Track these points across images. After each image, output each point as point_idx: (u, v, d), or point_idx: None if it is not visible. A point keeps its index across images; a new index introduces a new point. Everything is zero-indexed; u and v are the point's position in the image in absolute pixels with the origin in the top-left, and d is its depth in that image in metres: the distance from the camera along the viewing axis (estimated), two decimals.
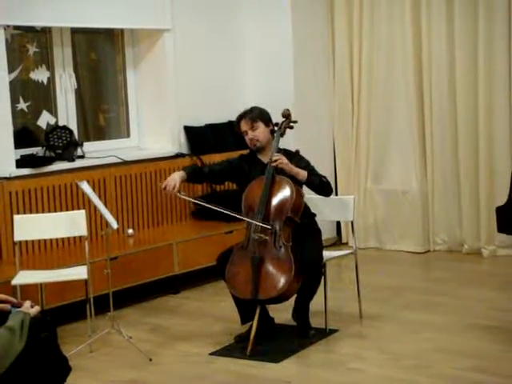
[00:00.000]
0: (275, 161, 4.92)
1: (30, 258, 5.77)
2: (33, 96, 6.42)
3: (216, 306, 5.84)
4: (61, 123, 6.38)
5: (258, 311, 4.82)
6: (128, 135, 7.04)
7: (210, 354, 4.84)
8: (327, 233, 6.87)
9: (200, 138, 7.06)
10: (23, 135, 6.31)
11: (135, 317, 5.68)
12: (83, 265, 5.08)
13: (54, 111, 6.44)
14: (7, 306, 3.24)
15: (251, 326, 4.89)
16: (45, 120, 6.38)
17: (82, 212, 5.23)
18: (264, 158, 5.09)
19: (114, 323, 4.99)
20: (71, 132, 6.28)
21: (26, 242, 5.69)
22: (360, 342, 4.99)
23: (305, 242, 4.91)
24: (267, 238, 4.84)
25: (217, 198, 6.29)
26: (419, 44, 7.13)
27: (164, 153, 6.86)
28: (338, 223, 7.67)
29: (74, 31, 6.54)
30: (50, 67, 6.41)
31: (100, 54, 7.04)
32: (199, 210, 6.71)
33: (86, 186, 5.03)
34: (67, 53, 6.47)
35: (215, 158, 7.00)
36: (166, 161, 6.78)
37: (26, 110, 6.32)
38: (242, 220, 5.03)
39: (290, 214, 4.88)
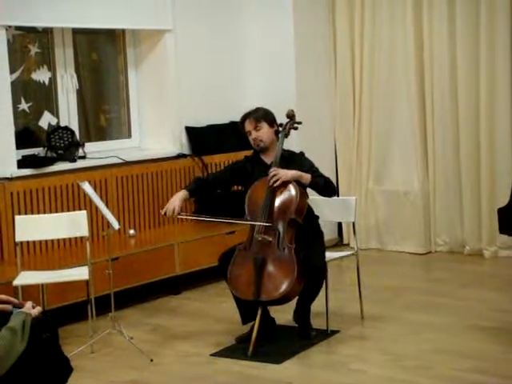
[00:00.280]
0: (274, 182, 4.86)
1: (31, 258, 5.77)
2: (34, 96, 6.42)
3: (217, 307, 5.84)
4: (62, 124, 6.38)
5: (259, 312, 4.81)
6: (129, 136, 7.04)
7: (211, 355, 4.84)
8: (328, 234, 6.86)
9: (201, 138, 7.06)
10: (25, 136, 6.31)
11: (136, 317, 5.68)
12: (84, 265, 5.08)
13: (55, 112, 6.44)
14: (8, 307, 3.24)
15: (252, 327, 4.89)
16: (46, 120, 6.38)
17: (84, 212, 5.23)
18: (267, 159, 5.08)
19: (115, 324, 4.99)
20: (73, 132, 6.28)
21: (28, 242, 5.68)
22: (361, 343, 4.99)
23: (308, 245, 4.90)
24: (270, 239, 4.84)
25: (221, 199, 6.29)
26: (421, 44, 7.12)
27: (165, 153, 6.86)
28: (339, 224, 7.66)
29: (76, 32, 6.54)
30: (52, 68, 6.41)
31: (101, 54, 7.04)
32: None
33: (87, 187, 5.03)
34: (69, 53, 6.47)
35: (216, 159, 7.02)
36: (167, 161, 6.78)
37: (27, 110, 6.32)
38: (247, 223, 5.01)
39: (294, 216, 4.87)
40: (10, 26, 5.96)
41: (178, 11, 6.87)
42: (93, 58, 6.99)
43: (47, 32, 6.37)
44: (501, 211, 4.91)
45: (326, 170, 5.43)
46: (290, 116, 5.15)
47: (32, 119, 6.43)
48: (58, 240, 5.90)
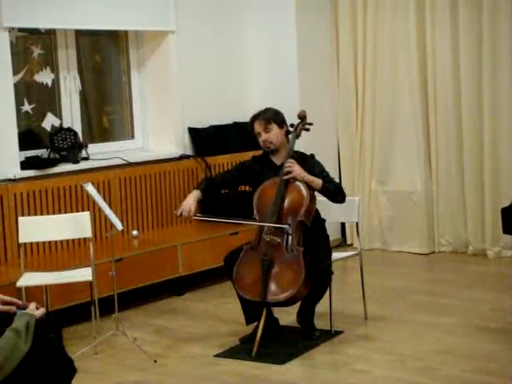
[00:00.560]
0: (287, 173, 4.88)
1: (34, 259, 5.78)
2: (37, 98, 6.43)
3: (221, 308, 5.84)
4: (65, 125, 6.39)
5: (264, 313, 4.80)
6: (132, 137, 7.04)
7: (215, 356, 4.84)
8: (332, 234, 6.83)
9: (204, 139, 7.06)
10: (28, 137, 6.31)
11: (140, 318, 5.68)
12: (88, 266, 5.08)
13: (58, 113, 6.45)
14: (12, 308, 3.25)
15: (256, 328, 4.88)
16: (49, 122, 6.39)
17: (87, 214, 5.23)
18: (277, 160, 5.05)
19: (118, 325, 4.98)
20: (76, 134, 6.29)
21: (31, 243, 5.69)
22: (365, 344, 4.98)
23: (314, 247, 4.88)
24: (279, 240, 4.82)
25: (225, 199, 6.28)
26: (423, 44, 7.12)
27: (168, 154, 6.86)
28: (343, 224, 7.66)
29: (79, 33, 6.55)
30: (55, 69, 6.41)
31: (104, 55, 7.04)
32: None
33: (90, 188, 5.03)
34: (71, 55, 6.48)
35: (220, 160, 7.02)
36: (170, 162, 6.78)
37: (30, 112, 6.32)
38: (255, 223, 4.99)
39: (303, 218, 4.85)
40: (12, 28, 5.97)
41: (180, 12, 6.87)
42: (96, 60, 7.00)
43: (50, 33, 6.37)
44: (504, 211, 4.90)
45: (329, 171, 5.41)
46: (302, 117, 5.11)
47: (35, 121, 6.43)
48: (62, 241, 5.90)
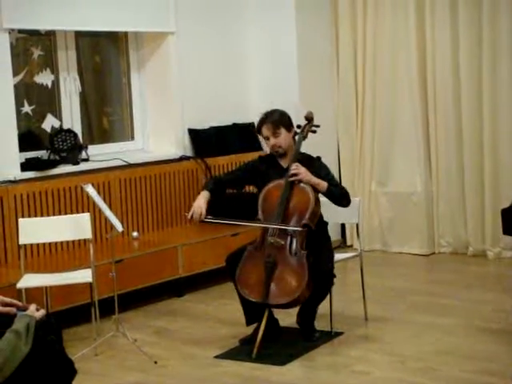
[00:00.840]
0: (293, 175, 4.86)
1: (34, 261, 5.77)
2: (37, 99, 6.43)
3: (221, 309, 5.84)
4: (65, 126, 6.39)
5: (266, 314, 4.80)
6: (132, 138, 7.04)
7: (215, 357, 4.84)
8: (332, 235, 6.81)
9: (204, 140, 7.06)
10: (28, 138, 6.31)
11: (140, 320, 5.68)
12: (88, 268, 5.08)
13: (58, 114, 6.45)
14: (13, 310, 3.25)
15: (256, 329, 4.88)
16: (49, 123, 6.38)
17: (87, 215, 5.23)
18: (284, 162, 5.03)
19: (118, 326, 4.98)
20: (76, 135, 6.29)
21: (31, 245, 5.68)
22: (366, 345, 4.98)
23: (317, 251, 4.86)
24: (283, 242, 4.81)
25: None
26: (423, 45, 7.12)
27: (168, 155, 6.86)
28: (343, 225, 7.66)
29: (78, 34, 6.55)
30: (55, 70, 6.41)
31: (104, 57, 7.04)
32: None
33: (90, 189, 5.03)
34: (71, 56, 6.48)
35: (220, 161, 7.02)
36: (170, 163, 6.78)
37: (30, 113, 6.32)
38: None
39: (308, 221, 4.84)
40: (12, 29, 5.96)
41: (180, 13, 6.87)
42: (95, 61, 7.00)
43: (50, 35, 6.37)
44: (504, 212, 4.90)
45: None
46: (309, 118, 5.09)
47: (35, 122, 6.43)
48: (62, 242, 5.90)
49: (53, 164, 6.09)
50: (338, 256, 5.39)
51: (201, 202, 4.90)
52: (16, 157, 5.86)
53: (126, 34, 6.88)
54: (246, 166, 5.22)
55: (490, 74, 6.82)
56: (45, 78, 6.38)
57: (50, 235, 5.27)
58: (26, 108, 6.28)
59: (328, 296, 5.08)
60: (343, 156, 7.63)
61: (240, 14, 7.40)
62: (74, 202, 6.04)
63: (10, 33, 5.86)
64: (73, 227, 5.19)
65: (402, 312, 5.59)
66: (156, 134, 7.00)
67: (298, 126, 5.08)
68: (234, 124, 7.30)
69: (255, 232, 5.30)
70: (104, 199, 5.46)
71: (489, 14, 6.74)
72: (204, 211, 4.86)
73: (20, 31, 6.15)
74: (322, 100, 7.47)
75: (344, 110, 7.57)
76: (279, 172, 4.99)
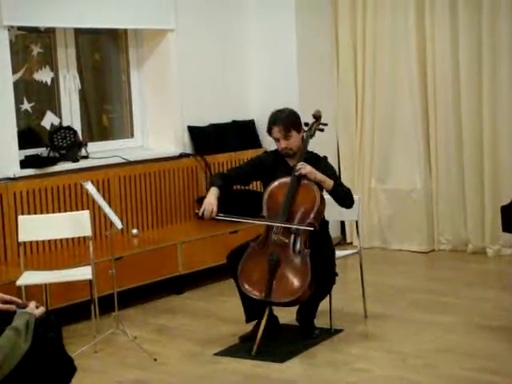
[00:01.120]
0: (299, 170, 4.85)
1: (34, 258, 5.77)
2: (37, 97, 6.42)
3: (220, 307, 5.83)
4: (65, 124, 6.38)
5: (266, 312, 4.79)
6: (132, 135, 7.04)
7: (215, 354, 4.84)
8: (332, 232, 6.81)
9: (204, 138, 7.06)
10: (27, 136, 6.31)
11: (140, 317, 5.68)
12: (88, 265, 5.08)
13: (57, 112, 6.44)
14: (12, 307, 3.25)
15: (256, 326, 4.88)
16: (49, 120, 6.38)
17: (87, 212, 5.23)
18: (291, 161, 5.00)
19: (118, 323, 4.99)
20: (75, 132, 6.28)
21: (31, 242, 5.68)
22: (365, 342, 4.98)
23: (319, 249, 4.85)
24: (286, 240, 4.80)
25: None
26: (423, 44, 7.11)
27: (168, 153, 6.85)
28: (343, 223, 7.66)
29: (78, 32, 6.54)
30: (54, 68, 6.41)
31: (104, 54, 7.04)
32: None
33: (90, 187, 5.03)
34: (71, 53, 6.47)
35: (219, 158, 7.03)
36: (169, 161, 6.78)
37: (29, 110, 6.32)
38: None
39: (312, 220, 4.83)
40: (12, 27, 5.96)
41: (180, 11, 6.86)
42: (95, 58, 7.00)
43: (49, 32, 6.37)
44: (504, 209, 4.90)
45: None
46: (317, 117, 5.08)
47: (35, 119, 6.43)
48: (61, 240, 5.90)
49: (52, 161, 6.08)
50: (337, 253, 5.38)
51: (211, 199, 4.86)
52: (15, 154, 5.86)
53: (125, 31, 6.87)
54: (253, 161, 5.19)
55: (489, 73, 6.82)
56: (44, 76, 6.37)
57: (50, 232, 5.27)
58: (26, 105, 6.27)
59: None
60: (343, 154, 7.63)
61: (240, 11, 7.39)
62: (74, 200, 6.03)
63: (9, 30, 5.85)
64: (72, 224, 5.19)
65: (402, 309, 5.59)
66: (155, 131, 6.99)
67: (306, 124, 5.06)
68: (234, 121, 7.29)
69: (254, 229, 5.31)
70: (103, 196, 5.46)
71: (489, 13, 6.74)
72: (215, 208, 4.82)
73: (19, 28, 6.15)
74: (321, 99, 7.44)
75: (344, 109, 7.57)
76: (286, 170, 4.96)
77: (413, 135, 7.24)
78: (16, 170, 5.82)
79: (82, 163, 6.25)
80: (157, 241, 6.26)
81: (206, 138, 7.07)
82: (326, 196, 5.03)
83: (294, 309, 5.11)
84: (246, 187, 6.26)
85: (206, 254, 6.25)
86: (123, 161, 6.47)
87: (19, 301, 3.34)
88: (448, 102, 7.06)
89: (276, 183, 4.94)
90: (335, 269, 4.94)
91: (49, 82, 6.39)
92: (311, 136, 5.04)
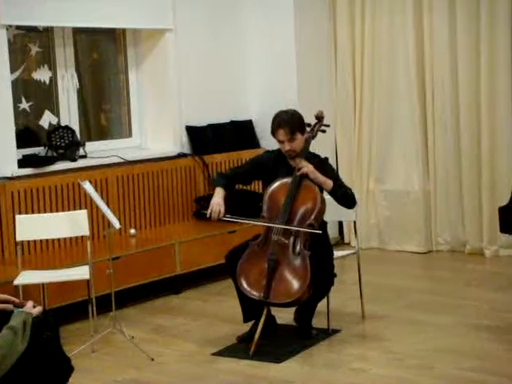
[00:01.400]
0: (302, 169, 4.84)
1: (32, 257, 5.77)
2: (35, 96, 6.42)
3: (218, 306, 5.83)
4: (63, 123, 6.38)
5: (265, 312, 4.78)
6: (130, 135, 7.04)
7: (213, 354, 4.83)
8: (330, 233, 6.83)
9: (202, 137, 7.05)
10: (25, 135, 6.31)
11: (137, 317, 5.67)
12: (85, 265, 5.07)
13: (56, 111, 6.44)
14: (9, 306, 3.24)
15: (253, 326, 4.88)
16: (47, 120, 6.38)
17: (84, 212, 5.23)
18: (293, 162, 4.99)
19: (116, 323, 4.98)
20: (73, 132, 6.28)
21: (28, 241, 5.68)
22: (363, 343, 4.98)
23: (317, 250, 4.84)
24: (286, 241, 4.80)
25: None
26: (421, 43, 7.11)
27: (166, 153, 6.85)
28: (340, 223, 7.65)
29: (76, 31, 6.54)
30: (52, 67, 6.40)
31: (102, 53, 7.04)
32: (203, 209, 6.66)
33: (88, 186, 5.02)
34: (69, 53, 6.47)
35: (217, 158, 7.03)
36: (167, 161, 6.78)
37: (28, 109, 6.32)
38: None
39: (313, 221, 4.82)
40: (10, 26, 5.96)
41: (178, 11, 6.86)
42: (93, 58, 6.99)
43: (48, 31, 6.36)
44: (501, 210, 4.90)
45: None
46: (320, 117, 5.07)
47: (33, 119, 6.42)
48: (59, 239, 5.89)
49: (50, 161, 6.08)
50: (335, 254, 5.38)
51: (219, 200, 4.84)
52: (13, 153, 5.86)
53: (124, 30, 6.87)
54: (254, 161, 5.17)
55: (488, 73, 6.81)
56: (42, 75, 6.37)
57: (47, 232, 5.27)
58: (24, 104, 6.27)
59: None
60: (341, 154, 7.62)
61: (238, 11, 7.39)
62: (72, 199, 6.03)
63: (7, 29, 5.85)
64: (70, 224, 5.19)
65: (400, 310, 5.59)
66: (154, 131, 6.99)
67: (308, 125, 5.04)
68: (232, 121, 7.29)
69: (253, 229, 5.30)
70: (101, 196, 5.45)
71: (487, 12, 6.73)
72: (223, 209, 4.81)
73: (18, 27, 6.15)
74: (319, 99, 7.45)
75: (342, 109, 7.56)
76: (287, 171, 4.95)
77: (411, 135, 7.24)
78: (14, 170, 5.82)
79: (80, 163, 6.25)
80: (154, 240, 6.26)
81: (204, 138, 7.06)
82: (326, 196, 5.03)
83: (292, 309, 5.12)
84: (244, 187, 6.25)
85: (204, 253, 6.25)
86: (121, 160, 6.47)
87: (16, 300, 3.32)
88: (446, 103, 7.06)
89: (277, 183, 4.93)
90: (334, 270, 4.93)
91: (47, 82, 6.39)
92: (313, 137, 5.04)
